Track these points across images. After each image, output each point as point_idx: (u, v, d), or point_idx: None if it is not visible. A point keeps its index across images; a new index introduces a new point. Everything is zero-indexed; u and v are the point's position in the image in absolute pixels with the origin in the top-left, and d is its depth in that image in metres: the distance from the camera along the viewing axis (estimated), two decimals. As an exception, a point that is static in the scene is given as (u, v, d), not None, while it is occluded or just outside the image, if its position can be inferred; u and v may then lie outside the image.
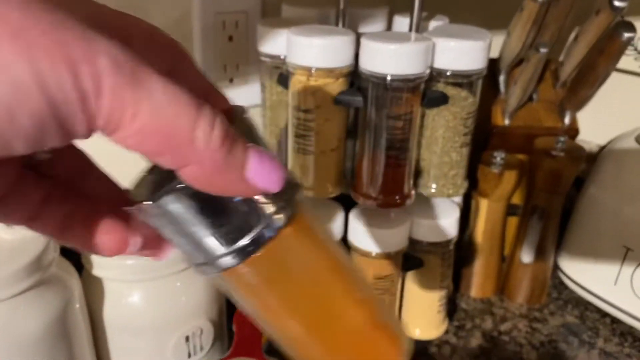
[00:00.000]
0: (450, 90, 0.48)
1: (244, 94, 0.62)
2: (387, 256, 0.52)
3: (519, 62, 0.68)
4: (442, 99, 0.48)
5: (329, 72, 0.46)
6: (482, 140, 0.70)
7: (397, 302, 0.56)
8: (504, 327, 0.67)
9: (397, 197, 0.49)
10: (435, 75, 0.47)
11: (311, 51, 0.45)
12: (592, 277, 0.68)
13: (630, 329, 0.66)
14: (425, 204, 0.55)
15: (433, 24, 0.56)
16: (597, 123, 0.84)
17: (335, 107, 0.47)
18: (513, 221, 0.71)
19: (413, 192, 0.51)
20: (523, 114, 0.69)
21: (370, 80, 0.46)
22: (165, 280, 0.51)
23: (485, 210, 0.68)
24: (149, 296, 0.50)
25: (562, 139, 0.64)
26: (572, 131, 0.69)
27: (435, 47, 0.46)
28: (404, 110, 0.46)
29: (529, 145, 0.67)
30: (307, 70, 0.46)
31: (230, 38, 0.59)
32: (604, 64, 0.58)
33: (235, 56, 0.60)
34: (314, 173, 0.49)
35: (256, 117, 0.63)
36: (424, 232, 0.54)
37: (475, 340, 0.65)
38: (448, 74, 0.47)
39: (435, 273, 0.56)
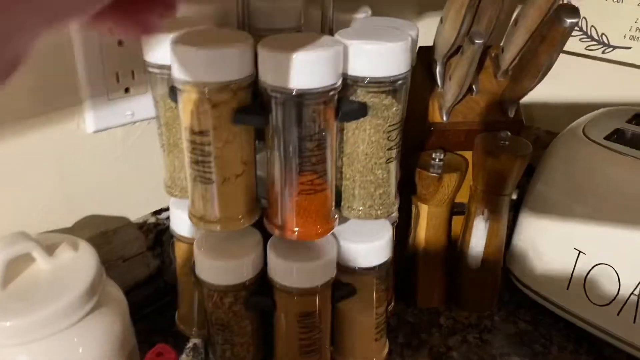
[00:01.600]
0: (371, 99, 0.41)
1: (144, 106, 0.54)
2: (314, 291, 0.45)
3: (456, 50, 0.62)
4: (360, 111, 0.41)
5: (224, 87, 0.38)
6: (419, 139, 0.64)
7: (327, 338, 0.49)
8: (452, 341, 0.62)
9: (318, 227, 0.42)
10: (351, 83, 0.40)
11: (200, 63, 0.37)
12: (544, 280, 0.63)
13: (585, 333, 0.62)
14: (353, 224, 0.48)
15: (354, 17, 0.49)
16: (545, 107, 0.79)
17: (236, 127, 0.40)
18: (459, 222, 0.66)
19: (337, 216, 0.44)
20: (462, 108, 0.63)
21: (272, 96, 0.38)
22: (58, 337, 0.43)
23: (426, 215, 0.62)
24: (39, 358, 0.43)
25: (504, 135, 0.58)
26: (517, 124, 0.63)
27: (348, 52, 0.39)
28: (316, 128, 0.39)
29: (470, 142, 0.61)
30: (198, 86, 0.38)
31: (120, 42, 0.50)
32: (546, 53, 0.52)
33: (129, 62, 0.51)
34: (219, 204, 0.42)
35: (154, 134, 0.55)
36: (354, 257, 0.48)
37: (422, 360, 0.60)
38: (366, 81, 0.40)
39: (369, 300, 0.50)
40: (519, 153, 0.57)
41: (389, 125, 0.42)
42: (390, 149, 0.43)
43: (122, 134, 0.54)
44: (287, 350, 0.48)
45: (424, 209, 0.61)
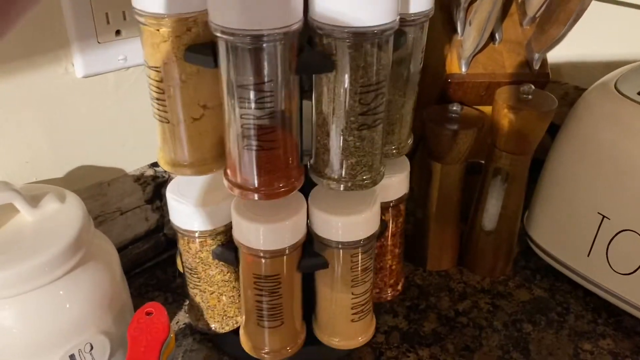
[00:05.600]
0: (343, 50, 0.36)
1: (137, 50, 0.50)
2: (274, 254, 0.42)
3: (479, -6, 0.56)
4: (321, 65, 0.36)
5: (179, 20, 0.35)
6: (436, 92, 0.60)
7: (293, 306, 0.46)
8: (462, 305, 0.59)
9: (280, 185, 0.39)
10: (321, 30, 0.35)
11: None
12: (563, 246, 0.59)
13: (605, 302, 0.58)
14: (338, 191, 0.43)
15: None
16: (575, 62, 0.73)
17: (191, 67, 0.36)
18: (474, 182, 0.62)
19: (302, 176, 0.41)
20: (483, 58, 0.58)
21: (220, 37, 0.34)
22: (43, 291, 0.42)
23: (438, 174, 0.58)
24: (22, 313, 0.41)
25: (527, 89, 0.53)
26: (542, 77, 0.58)
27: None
28: (270, 76, 0.35)
29: (490, 96, 0.57)
30: (156, 18, 0.35)
31: (109, -22, 0.47)
32: (578, -3, 0.47)
33: (119, 1, 0.48)
34: (181, 146, 0.39)
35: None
36: (327, 229, 0.43)
37: (429, 324, 0.57)
38: (345, 31, 0.35)
39: (345, 276, 0.45)
40: (542, 109, 0.52)
41: (360, 87, 0.37)
42: (363, 114, 0.38)
43: (115, 79, 0.51)
44: (248, 310, 0.46)
45: (436, 167, 0.58)
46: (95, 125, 0.52)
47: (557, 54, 0.72)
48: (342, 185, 0.41)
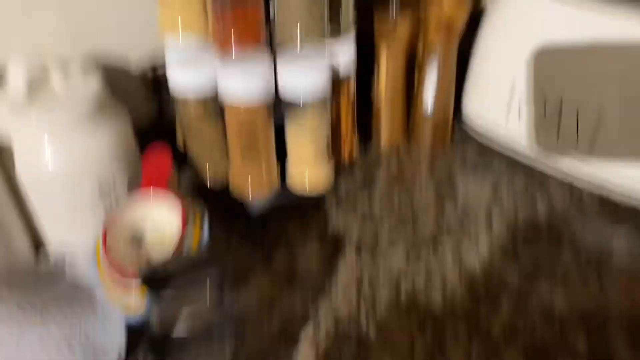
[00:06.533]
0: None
1: None
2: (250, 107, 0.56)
3: None
4: None
5: None
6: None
7: (266, 146, 0.61)
8: (408, 169, 0.74)
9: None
10: None
11: None
12: (487, 113, 0.72)
13: (523, 165, 0.72)
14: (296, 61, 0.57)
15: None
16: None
17: None
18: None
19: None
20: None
21: None
22: (76, 135, 0.55)
23: (384, 64, 0.72)
24: (63, 150, 0.54)
25: (451, -17, 0.67)
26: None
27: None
28: None
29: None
30: None
31: None
32: None
33: None
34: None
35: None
36: (290, 90, 0.57)
37: (380, 181, 0.71)
38: None
39: (310, 126, 0.60)
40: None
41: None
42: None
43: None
44: (233, 154, 0.61)
45: (383, 59, 0.71)
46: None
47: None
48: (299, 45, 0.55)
